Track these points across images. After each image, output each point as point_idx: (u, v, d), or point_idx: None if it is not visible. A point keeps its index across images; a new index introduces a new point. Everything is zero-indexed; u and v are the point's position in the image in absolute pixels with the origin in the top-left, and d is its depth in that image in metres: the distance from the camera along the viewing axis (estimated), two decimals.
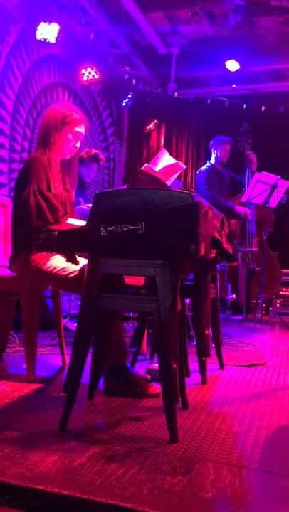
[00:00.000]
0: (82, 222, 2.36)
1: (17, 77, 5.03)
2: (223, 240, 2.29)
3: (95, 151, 4.64)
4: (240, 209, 5.58)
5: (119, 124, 7.40)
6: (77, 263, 2.10)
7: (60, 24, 4.98)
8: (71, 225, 2.33)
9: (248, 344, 3.95)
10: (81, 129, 2.65)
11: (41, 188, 2.45)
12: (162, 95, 7.08)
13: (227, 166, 5.71)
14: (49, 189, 2.50)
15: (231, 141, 5.60)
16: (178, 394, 1.87)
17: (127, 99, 6.82)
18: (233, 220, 3.60)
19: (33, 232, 2.28)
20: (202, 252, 1.73)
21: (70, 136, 2.62)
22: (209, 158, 5.67)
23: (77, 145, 2.68)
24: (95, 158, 4.61)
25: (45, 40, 4.95)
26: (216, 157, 5.55)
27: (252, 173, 5.64)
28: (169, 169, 2.57)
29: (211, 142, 5.63)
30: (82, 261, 2.55)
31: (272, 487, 1.51)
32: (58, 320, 2.93)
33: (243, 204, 5.58)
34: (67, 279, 2.46)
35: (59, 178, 2.63)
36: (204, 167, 5.61)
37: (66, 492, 1.37)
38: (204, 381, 2.67)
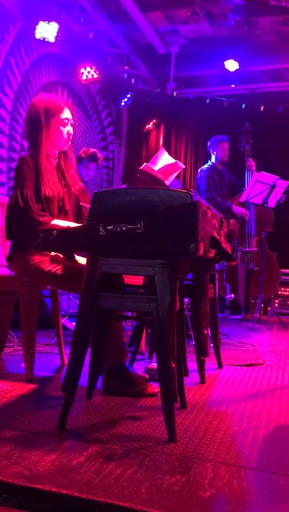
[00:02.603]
0: (67, 223, 2.38)
1: (16, 76, 5.02)
2: (222, 240, 2.29)
3: (92, 150, 4.65)
4: (237, 209, 5.58)
5: (118, 123, 7.40)
6: (75, 262, 2.10)
7: (59, 23, 4.98)
8: (56, 225, 2.34)
9: (247, 344, 3.95)
10: (66, 113, 2.60)
11: (24, 192, 2.44)
12: (161, 95, 7.07)
13: (227, 166, 5.70)
14: (37, 191, 2.48)
15: (228, 138, 5.58)
16: (176, 393, 1.87)
17: (126, 99, 6.82)
18: (232, 220, 3.60)
19: (23, 234, 2.29)
20: (201, 251, 1.73)
21: (60, 126, 2.58)
22: (210, 158, 5.66)
23: (71, 130, 2.63)
24: (92, 157, 4.61)
25: (44, 39, 4.95)
26: (216, 157, 5.54)
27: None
28: (168, 168, 2.58)
29: (209, 143, 5.62)
30: (82, 260, 2.55)
31: (271, 486, 1.51)
32: (57, 319, 2.92)
33: (242, 204, 5.57)
34: (66, 279, 2.46)
35: (54, 176, 2.61)
36: (206, 166, 5.60)
37: (64, 491, 1.37)
38: (203, 380, 2.67)
